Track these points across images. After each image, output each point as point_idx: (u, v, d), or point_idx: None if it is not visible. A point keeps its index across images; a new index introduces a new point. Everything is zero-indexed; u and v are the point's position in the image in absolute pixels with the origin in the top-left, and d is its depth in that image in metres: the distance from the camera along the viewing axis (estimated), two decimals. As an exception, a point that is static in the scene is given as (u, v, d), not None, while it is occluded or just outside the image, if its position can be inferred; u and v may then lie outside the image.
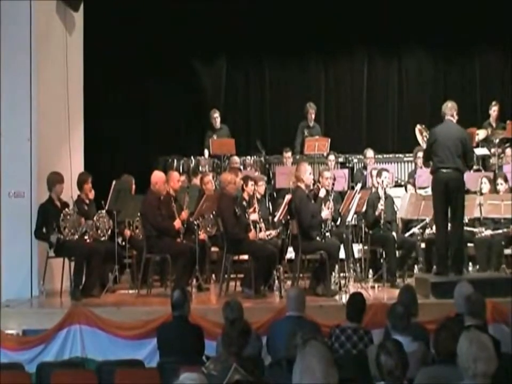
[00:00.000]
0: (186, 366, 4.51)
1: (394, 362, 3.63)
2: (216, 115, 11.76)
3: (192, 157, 11.27)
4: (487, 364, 3.43)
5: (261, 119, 13.32)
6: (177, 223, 8.18)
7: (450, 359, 3.62)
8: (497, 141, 10.79)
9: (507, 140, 11.03)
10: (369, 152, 10.95)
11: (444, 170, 7.68)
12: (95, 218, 8.27)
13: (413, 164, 10.96)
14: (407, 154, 11.37)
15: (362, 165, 11.16)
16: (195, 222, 8.57)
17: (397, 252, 9.06)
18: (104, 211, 8.43)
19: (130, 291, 8.54)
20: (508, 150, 10.61)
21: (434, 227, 9.19)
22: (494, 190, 9.27)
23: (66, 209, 8.03)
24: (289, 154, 11.05)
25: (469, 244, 8.78)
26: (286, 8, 12.10)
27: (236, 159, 10.83)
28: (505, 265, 8.90)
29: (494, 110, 11.28)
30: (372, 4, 12.15)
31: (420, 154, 10.62)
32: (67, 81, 9.15)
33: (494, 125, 11.22)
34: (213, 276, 8.87)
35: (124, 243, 8.81)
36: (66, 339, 6.82)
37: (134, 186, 9.27)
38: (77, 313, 6.90)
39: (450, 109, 7.90)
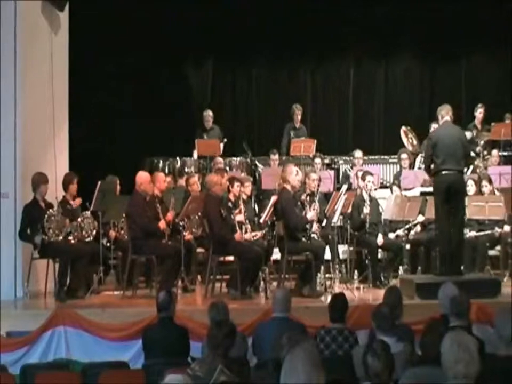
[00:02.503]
0: (171, 368, 4.50)
1: (381, 364, 3.63)
2: (210, 115, 11.72)
3: (178, 158, 11.26)
4: (468, 366, 3.43)
5: (248, 121, 13.32)
6: (162, 224, 8.14)
7: (436, 360, 3.63)
8: (482, 142, 10.86)
9: (492, 142, 11.12)
10: (358, 153, 10.98)
11: (446, 172, 7.68)
12: (79, 219, 8.23)
13: (398, 166, 11.01)
14: (392, 156, 11.41)
15: (350, 166, 11.18)
16: (181, 223, 8.56)
17: (384, 254, 9.11)
18: (89, 212, 8.39)
19: (116, 292, 8.51)
20: (494, 151, 10.67)
21: (419, 228, 9.28)
22: (479, 191, 9.31)
23: (51, 210, 7.99)
24: (276, 156, 11.04)
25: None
26: (274, 11, 12.12)
27: (219, 159, 10.80)
28: (490, 267, 8.97)
29: (480, 112, 11.34)
30: (359, 8, 12.21)
31: (404, 156, 10.69)
32: (52, 81, 9.09)
33: (479, 127, 11.29)
34: (199, 277, 8.83)
35: (108, 244, 8.77)
36: (51, 341, 6.76)
37: (118, 187, 9.24)
38: (61, 315, 6.86)
39: (447, 111, 7.96)
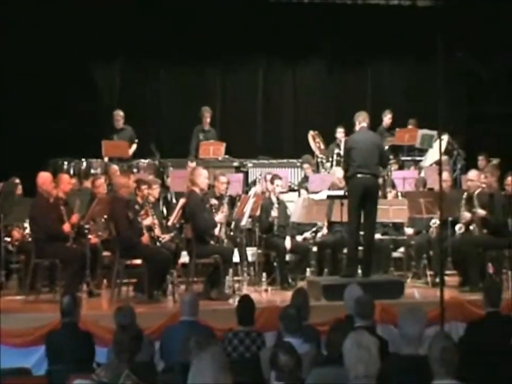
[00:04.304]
0: (76, 374, 4.40)
1: (293, 361, 3.65)
2: (120, 115, 11.50)
3: (83, 160, 11.01)
4: (367, 366, 3.50)
5: (157, 122, 13.21)
6: (66, 227, 7.95)
7: (340, 359, 3.70)
8: (387, 147, 11.15)
9: (395, 147, 11.47)
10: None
11: (361, 176, 7.81)
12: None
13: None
14: (300, 160, 11.55)
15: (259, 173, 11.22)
16: (86, 226, 8.38)
17: (292, 256, 9.21)
18: (-10, 214, 8.12)
19: (18, 297, 8.24)
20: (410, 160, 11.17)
21: (326, 231, 9.43)
22: (384, 195, 9.55)
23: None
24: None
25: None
26: (185, 12, 12.09)
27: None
28: (393, 268, 9.23)
29: (389, 118, 11.70)
30: (269, 11, 12.33)
31: (306, 166, 10.89)
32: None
33: (384, 132, 11.63)
34: (105, 281, 8.68)
35: (11, 247, 8.50)
36: (-51, 348, 6.51)
37: (20, 189, 8.98)
38: (-40, 321, 6.60)
39: (364, 118, 8.12)
